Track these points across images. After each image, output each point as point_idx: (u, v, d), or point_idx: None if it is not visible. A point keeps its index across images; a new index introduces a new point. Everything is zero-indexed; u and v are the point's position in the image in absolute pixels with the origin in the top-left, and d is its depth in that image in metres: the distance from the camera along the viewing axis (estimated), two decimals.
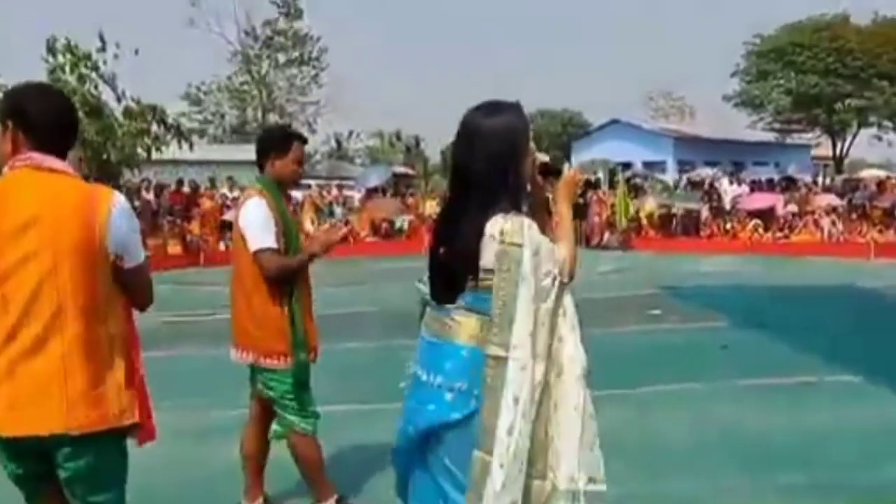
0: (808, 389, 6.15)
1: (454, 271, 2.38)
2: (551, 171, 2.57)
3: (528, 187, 2.46)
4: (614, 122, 38.96)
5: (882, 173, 24.92)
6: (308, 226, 21.32)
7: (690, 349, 7.70)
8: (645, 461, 4.53)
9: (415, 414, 2.40)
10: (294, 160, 3.62)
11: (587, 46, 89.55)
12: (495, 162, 2.32)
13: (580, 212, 20.87)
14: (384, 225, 21.10)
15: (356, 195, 24.08)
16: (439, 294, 2.43)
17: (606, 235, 20.45)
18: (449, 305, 2.39)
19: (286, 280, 3.51)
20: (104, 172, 19.00)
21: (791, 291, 11.89)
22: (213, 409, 5.55)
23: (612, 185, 22.98)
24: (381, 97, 78.48)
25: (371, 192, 23.82)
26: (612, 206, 20.90)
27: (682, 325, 9.12)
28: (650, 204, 21.22)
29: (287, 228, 3.55)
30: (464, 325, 2.36)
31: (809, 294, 11.64)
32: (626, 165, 29.28)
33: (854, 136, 40.75)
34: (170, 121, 20.20)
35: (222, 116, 48.01)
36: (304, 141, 3.77)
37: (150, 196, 19.69)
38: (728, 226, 20.17)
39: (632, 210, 20.57)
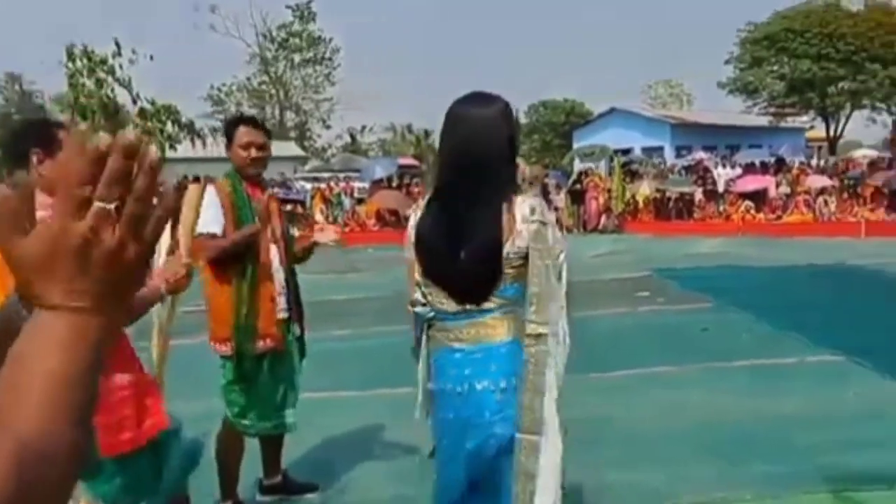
0: (788, 371, 5.73)
1: (485, 269, 2.20)
2: None
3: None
4: (613, 110, 38.36)
5: (873, 153, 24.23)
6: (318, 216, 21.12)
7: (673, 331, 7.30)
8: (617, 449, 4.21)
9: (494, 426, 2.21)
10: (240, 146, 3.36)
11: (588, 38, 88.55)
12: (502, 150, 2.22)
13: (577, 197, 20.50)
14: (390, 215, 20.82)
15: (366, 186, 23.84)
16: (469, 298, 2.24)
17: (603, 219, 20.02)
18: (481, 307, 2.22)
19: (228, 260, 3.29)
20: None
21: (781, 271, 11.40)
22: None
23: (612, 171, 22.54)
24: (395, 92, 78.05)
25: (376, 184, 23.49)
26: (609, 191, 20.45)
27: (669, 306, 8.71)
28: (645, 188, 20.76)
29: (240, 218, 3.31)
30: (505, 321, 2.23)
31: (799, 273, 11.18)
32: (626, 151, 28.76)
33: (847, 119, 39.89)
34: (183, 120, 20.03)
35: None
36: (256, 125, 3.48)
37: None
38: (721, 208, 19.67)
39: (627, 194, 20.11)
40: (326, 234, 3.61)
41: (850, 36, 35.34)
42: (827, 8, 36.34)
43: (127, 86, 19.40)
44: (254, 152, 3.37)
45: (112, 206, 0.61)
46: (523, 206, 2.17)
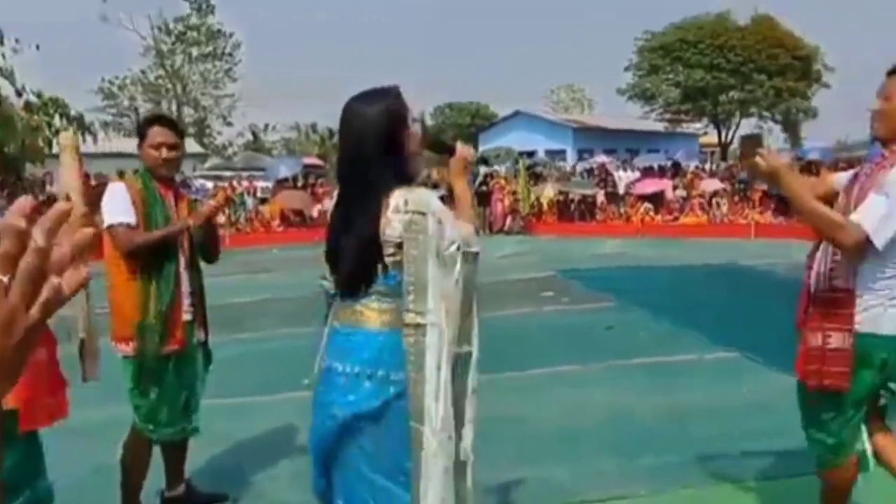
0: (687, 368, 5.98)
1: (359, 259, 2.31)
2: (445, 149, 2.52)
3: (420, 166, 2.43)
4: (518, 113, 39.10)
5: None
6: (220, 217, 20.58)
7: (578, 330, 7.49)
8: (522, 446, 4.29)
9: (333, 406, 2.29)
10: (152, 145, 3.34)
11: (495, 41, 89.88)
12: (382, 144, 2.29)
13: (483, 199, 20.75)
14: (295, 215, 20.50)
15: (269, 185, 23.38)
16: (347, 285, 2.34)
17: (508, 221, 20.32)
18: (361, 294, 2.30)
19: (145, 254, 3.24)
20: (4, 167, 17.89)
21: (679, 271, 11.87)
22: None
23: (517, 173, 22.93)
24: (300, 90, 76.87)
25: (281, 183, 23.07)
26: (515, 192, 20.79)
27: (573, 306, 8.93)
28: (549, 190, 21.21)
29: (149, 216, 3.26)
30: (378, 311, 2.28)
31: (696, 273, 11.67)
32: (530, 154, 29.35)
33: (737, 126, 42.03)
34: (72, 114, 19.12)
35: (136, 110, 46.08)
36: (168, 124, 3.47)
37: (55, 188, 18.51)
38: (622, 210, 20.33)
39: (532, 196, 20.50)
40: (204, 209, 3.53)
41: (738, 48, 37.33)
42: (717, 20, 38.20)
43: (9, 77, 18.38)
44: (165, 152, 3.36)
45: (5, 279, 0.61)
46: (399, 197, 2.24)
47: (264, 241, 18.17)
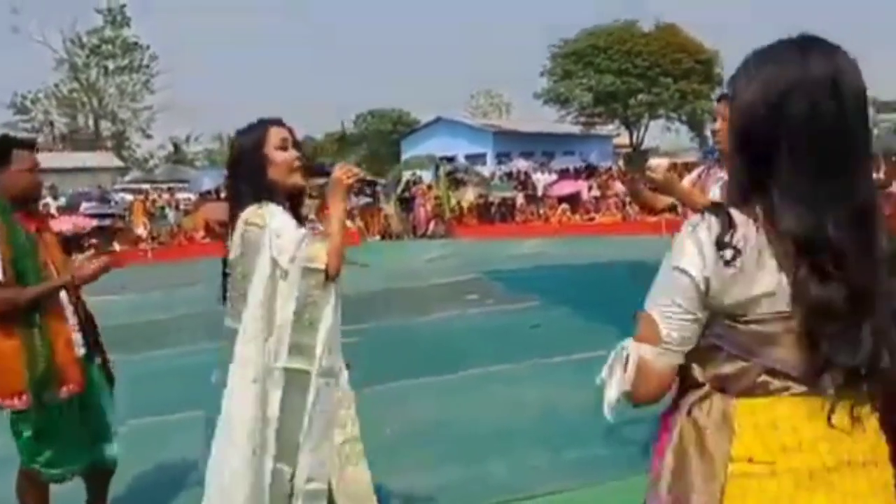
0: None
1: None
2: (317, 173, 2.56)
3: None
4: (439, 119, 39.23)
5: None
6: (140, 230, 19.88)
7: (505, 330, 7.52)
8: (460, 447, 4.27)
9: None
10: (22, 169, 2.93)
11: (414, 49, 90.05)
12: (236, 168, 2.43)
13: (406, 205, 20.79)
14: (220, 227, 20.04)
15: (192, 197, 22.80)
16: None
17: (431, 225, 20.37)
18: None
19: (17, 314, 2.84)
20: None
21: (597, 269, 12.01)
22: None
23: (438, 178, 23.01)
24: (223, 100, 75.21)
25: (204, 196, 22.50)
26: (437, 197, 20.86)
27: (498, 307, 8.98)
28: (470, 194, 21.39)
29: (18, 255, 2.85)
30: None
31: (613, 270, 11.86)
32: (451, 159, 29.46)
33: (646, 128, 43.22)
34: None
35: (51, 124, 44.27)
36: (29, 146, 3.07)
37: None
38: (541, 211, 20.63)
39: (453, 201, 20.62)
40: (86, 268, 3.06)
41: (645, 53, 38.40)
42: (624, 27, 39.26)
43: None
44: (34, 176, 3.00)
45: None
46: (245, 215, 2.31)
47: (188, 253, 17.70)
